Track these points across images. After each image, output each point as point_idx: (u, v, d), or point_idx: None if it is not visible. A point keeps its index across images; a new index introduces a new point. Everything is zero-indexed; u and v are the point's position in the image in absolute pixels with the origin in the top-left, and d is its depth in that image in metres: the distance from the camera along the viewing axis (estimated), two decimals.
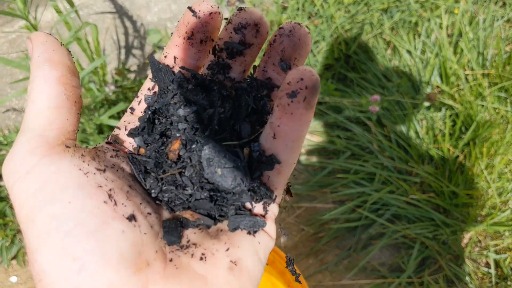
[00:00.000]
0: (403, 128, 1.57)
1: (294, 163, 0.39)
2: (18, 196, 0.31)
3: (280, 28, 0.39)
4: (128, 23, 1.62)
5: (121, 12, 1.64)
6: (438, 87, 1.61)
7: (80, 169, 0.33)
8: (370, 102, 1.34)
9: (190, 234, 0.37)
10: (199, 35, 0.40)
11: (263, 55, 0.41)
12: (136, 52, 1.57)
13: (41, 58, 0.33)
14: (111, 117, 1.36)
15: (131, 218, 0.33)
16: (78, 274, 0.29)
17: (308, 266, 1.53)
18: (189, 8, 0.40)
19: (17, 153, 0.32)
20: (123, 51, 1.57)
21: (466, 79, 1.61)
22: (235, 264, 0.34)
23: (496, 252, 1.49)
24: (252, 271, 0.35)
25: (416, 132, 1.55)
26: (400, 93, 1.52)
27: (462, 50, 1.62)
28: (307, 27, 1.64)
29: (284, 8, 1.65)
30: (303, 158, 1.70)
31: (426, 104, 1.40)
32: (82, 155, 0.35)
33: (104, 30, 1.60)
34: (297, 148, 0.38)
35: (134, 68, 1.54)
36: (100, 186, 0.33)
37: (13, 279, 1.43)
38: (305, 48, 0.39)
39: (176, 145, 0.40)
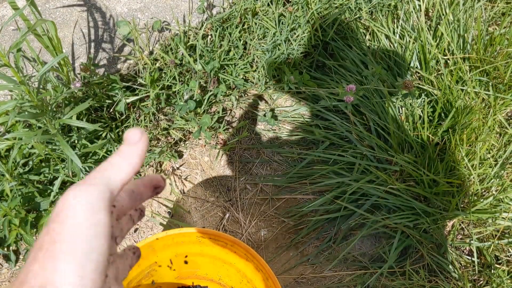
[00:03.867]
0: (382, 116, 1.53)
1: None
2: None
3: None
4: (97, 15, 1.57)
5: (89, 4, 1.59)
6: (417, 72, 1.57)
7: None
8: (345, 92, 1.30)
9: None
10: None
11: None
12: (106, 45, 1.52)
13: (136, 151, 0.41)
14: (79, 116, 1.32)
15: None
16: None
17: (289, 259, 1.51)
18: None
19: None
20: (92, 44, 1.52)
21: (447, 64, 1.56)
22: None
23: (479, 240, 1.47)
24: None
25: (395, 120, 1.51)
26: (378, 80, 1.48)
27: (442, 33, 1.57)
28: (282, 14, 1.59)
29: None
30: (282, 149, 1.66)
31: (404, 92, 1.36)
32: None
33: (73, 23, 1.55)
34: None
35: (103, 62, 1.49)
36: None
37: None
38: None
39: None
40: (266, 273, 1.03)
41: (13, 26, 1.50)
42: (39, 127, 1.19)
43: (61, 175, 1.25)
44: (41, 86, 1.12)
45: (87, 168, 1.32)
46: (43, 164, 1.29)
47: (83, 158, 1.34)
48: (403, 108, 1.55)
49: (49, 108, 1.07)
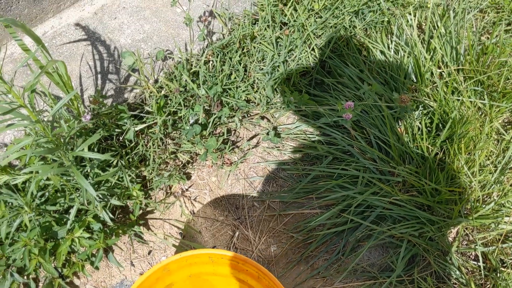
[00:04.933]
0: (382, 130, 1.58)
1: None
2: None
3: None
4: (102, 48, 1.64)
5: (94, 38, 1.66)
6: (413, 85, 1.62)
7: None
8: (344, 109, 1.35)
9: None
10: None
11: None
12: (112, 76, 1.58)
13: None
14: (90, 146, 1.38)
15: None
16: None
17: (299, 273, 1.55)
18: None
19: None
20: (99, 76, 1.59)
21: (441, 76, 1.62)
22: None
23: (484, 245, 1.51)
24: None
25: (395, 133, 1.56)
26: (375, 94, 1.54)
27: (435, 47, 1.62)
28: (279, 37, 1.65)
29: (256, 20, 1.66)
30: (287, 166, 1.71)
31: (401, 105, 1.41)
32: None
33: (79, 56, 1.62)
34: None
35: (111, 92, 1.55)
36: None
37: None
38: None
39: None
40: None
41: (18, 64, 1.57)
42: (54, 160, 1.25)
43: (76, 204, 1.31)
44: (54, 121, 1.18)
45: (100, 196, 1.38)
46: (59, 194, 1.35)
47: (96, 186, 1.40)
48: (401, 121, 1.60)
49: (63, 142, 1.13)
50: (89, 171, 1.36)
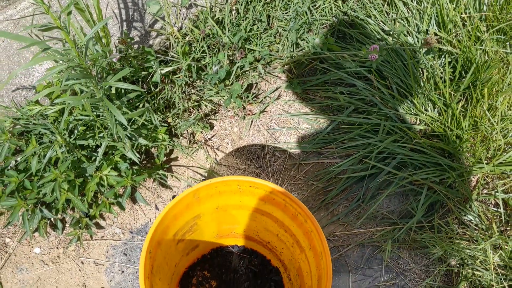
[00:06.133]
0: (404, 80, 1.59)
1: None
2: None
3: None
4: None
5: None
6: (436, 34, 1.62)
7: None
8: (369, 51, 1.37)
9: None
10: None
11: None
12: (137, 24, 1.60)
13: None
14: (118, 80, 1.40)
15: None
16: None
17: (320, 219, 1.57)
18: None
19: None
20: (124, 23, 1.61)
21: (464, 25, 1.62)
22: None
23: (504, 192, 1.52)
24: None
25: (417, 81, 1.57)
26: (399, 36, 1.54)
27: None
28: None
29: None
30: (308, 117, 1.73)
31: (424, 49, 1.42)
32: None
33: (104, 4, 1.64)
34: None
35: (136, 39, 1.58)
36: None
37: (37, 250, 1.49)
38: None
39: None
40: (304, 215, 1.09)
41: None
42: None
43: (105, 140, 1.33)
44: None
45: (128, 135, 1.40)
46: (88, 132, 1.38)
47: (124, 126, 1.42)
48: (423, 70, 1.61)
49: (95, 73, 1.15)
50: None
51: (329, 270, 1.01)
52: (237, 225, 1.37)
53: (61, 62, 1.23)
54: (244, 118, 1.71)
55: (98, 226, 1.54)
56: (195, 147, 1.65)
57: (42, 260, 1.48)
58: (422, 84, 1.56)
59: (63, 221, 1.52)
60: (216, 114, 1.73)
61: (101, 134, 1.37)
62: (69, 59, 1.10)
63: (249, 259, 1.49)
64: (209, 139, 1.70)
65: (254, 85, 1.77)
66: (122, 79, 1.32)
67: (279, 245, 1.35)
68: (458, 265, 1.47)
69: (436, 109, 1.56)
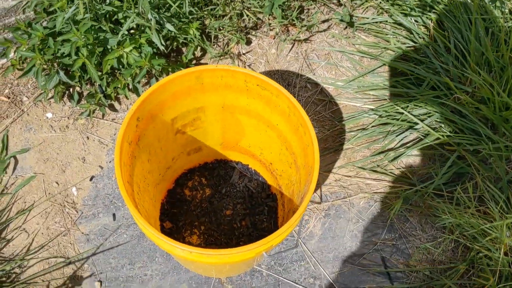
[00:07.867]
0: (464, 35, 1.43)
1: None
2: None
3: None
4: None
5: None
6: None
7: None
8: None
9: None
10: None
11: None
12: None
13: None
14: None
15: None
16: None
17: (334, 161, 1.47)
18: None
19: None
20: None
21: None
22: None
23: None
24: None
25: (478, 38, 1.40)
26: None
27: None
28: None
29: None
30: (352, 55, 1.61)
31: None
32: None
33: None
34: None
35: None
36: None
37: (49, 115, 1.50)
38: None
39: None
40: (305, 126, 1.00)
41: None
42: None
43: (133, 15, 1.29)
44: None
45: (157, 18, 1.35)
46: (119, 4, 1.34)
47: (156, 10, 1.37)
48: (489, 29, 1.44)
49: None
50: None
51: (313, 185, 0.92)
52: (242, 135, 1.30)
53: None
54: (285, 40, 1.62)
55: (113, 108, 1.52)
56: (227, 57, 1.59)
57: (51, 126, 1.49)
58: (482, 43, 1.39)
59: (80, 94, 1.52)
60: (257, 31, 1.64)
61: (130, 10, 1.32)
62: None
63: (249, 179, 1.43)
64: (244, 54, 1.62)
65: (306, 10, 1.67)
66: None
67: (279, 167, 1.28)
68: (468, 240, 1.33)
69: (492, 73, 1.39)
